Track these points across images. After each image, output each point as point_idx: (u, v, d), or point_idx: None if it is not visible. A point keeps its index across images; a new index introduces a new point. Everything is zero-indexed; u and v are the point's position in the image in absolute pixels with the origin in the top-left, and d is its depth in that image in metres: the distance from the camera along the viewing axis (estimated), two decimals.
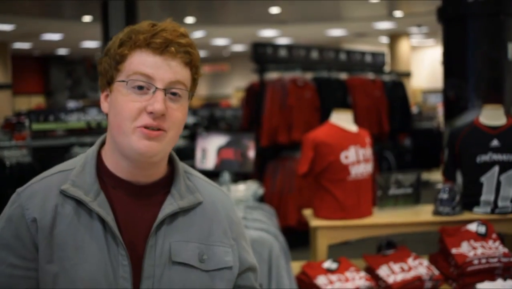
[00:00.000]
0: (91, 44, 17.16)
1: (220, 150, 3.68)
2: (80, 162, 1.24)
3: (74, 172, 1.21)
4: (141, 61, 1.17)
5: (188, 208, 1.25)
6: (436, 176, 9.92)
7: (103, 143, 1.27)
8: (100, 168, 1.23)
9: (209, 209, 1.28)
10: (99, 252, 1.15)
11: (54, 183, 1.20)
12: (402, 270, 2.94)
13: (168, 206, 1.22)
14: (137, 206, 1.21)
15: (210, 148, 3.70)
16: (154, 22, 1.21)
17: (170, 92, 1.18)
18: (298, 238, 5.60)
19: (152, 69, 1.17)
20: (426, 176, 10.04)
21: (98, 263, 1.14)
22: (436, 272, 2.92)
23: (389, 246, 3.18)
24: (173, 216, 1.23)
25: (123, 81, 1.18)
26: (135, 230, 1.19)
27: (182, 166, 1.32)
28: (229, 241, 1.28)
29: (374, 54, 8.82)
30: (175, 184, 1.26)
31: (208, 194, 1.31)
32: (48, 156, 5.64)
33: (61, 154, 5.65)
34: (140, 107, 1.16)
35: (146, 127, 1.15)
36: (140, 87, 1.17)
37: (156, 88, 1.16)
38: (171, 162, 1.30)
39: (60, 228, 1.15)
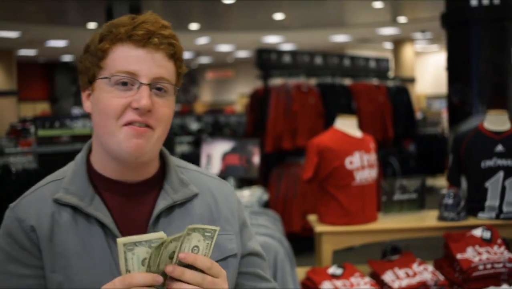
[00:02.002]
0: None
1: (225, 156, 3.69)
2: (70, 169, 1.22)
3: (66, 180, 1.19)
4: (124, 56, 1.13)
5: (183, 200, 1.22)
6: (440, 182, 9.90)
7: (90, 148, 1.25)
8: (90, 172, 1.21)
9: (208, 199, 1.26)
10: (102, 256, 1.13)
11: (47, 193, 1.18)
12: (407, 275, 2.94)
13: (162, 201, 1.19)
14: (132, 205, 1.19)
15: (215, 153, 3.70)
16: (134, 15, 1.17)
17: (155, 87, 1.14)
18: (302, 244, 5.61)
19: (136, 64, 1.13)
20: (430, 181, 10.03)
21: (103, 266, 1.12)
22: (441, 277, 2.92)
23: (394, 251, 3.18)
24: (169, 211, 1.20)
25: (106, 78, 1.14)
26: (134, 229, 1.15)
27: (173, 160, 1.29)
28: (232, 228, 1.26)
29: (378, 60, 8.83)
30: (167, 179, 1.23)
31: (205, 185, 1.28)
32: (54, 162, 5.65)
33: (66, 160, 5.67)
34: (124, 103, 1.12)
35: (132, 124, 1.12)
36: (124, 83, 1.13)
37: (141, 83, 1.12)
38: (162, 157, 1.27)
39: (59, 236, 1.13)
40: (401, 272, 2.96)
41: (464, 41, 4.78)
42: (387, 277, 2.94)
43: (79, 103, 22.28)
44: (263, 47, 10.90)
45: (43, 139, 6.01)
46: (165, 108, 1.16)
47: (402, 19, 13.22)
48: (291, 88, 6.48)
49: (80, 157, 1.24)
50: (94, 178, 1.21)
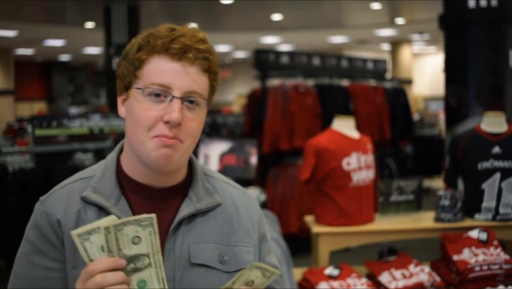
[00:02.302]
0: (93, 50, 17.21)
1: (222, 156, 3.69)
2: (101, 168, 1.26)
3: (95, 178, 1.23)
4: (159, 69, 1.16)
5: (206, 210, 1.25)
6: (437, 183, 9.92)
7: (121, 149, 1.28)
8: (119, 173, 1.25)
9: (230, 210, 1.28)
10: None
11: (76, 189, 1.22)
12: (404, 276, 2.94)
13: (185, 208, 1.22)
14: (155, 210, 1.19)
15: (213, 154, 3.71)
16: (173, 26, 1.20)
17: (187, 100, 1.17)
18: (299, 244, 5.60)
19: (170, 77, 1.15)
20: (427, 183, 10.05)
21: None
22: (438, 278, 2.92)
23: (391, 252, 3.19)
24: (191, 218, 1.23)
25: (140, 88, 1.17)
26: None
27: (201, 168, 1.32)
28: (252, 240, 1.28)
29: (376, 61, 8.84)
30: (192, 187, 1.26)
31: (229, 195, 1.31)
32: (51, 161, 5.65)
33: (63, 159, 5.66)
34: (156, 116, 1.15)
35: (161, 137, 1.15)
36: (157, 95, 1.16)
37: (173, 96, 1.15)
38: (190, 164, 1.30)
39: None
40: (397, 273, 2.97)
41: (461, 43, 4.78)
42: (384, 278, 2.94)
43: (76, 103, 22.29)
44: (261, 47, 10.92)
45: (40, 139, 6.00)
46: (194, 123, 1.19)
47: (400, 21, 13.24)
48: (288, 89, 6.48)
49: (111, 157, 1.28)
50: (122, 179, 1.24)
